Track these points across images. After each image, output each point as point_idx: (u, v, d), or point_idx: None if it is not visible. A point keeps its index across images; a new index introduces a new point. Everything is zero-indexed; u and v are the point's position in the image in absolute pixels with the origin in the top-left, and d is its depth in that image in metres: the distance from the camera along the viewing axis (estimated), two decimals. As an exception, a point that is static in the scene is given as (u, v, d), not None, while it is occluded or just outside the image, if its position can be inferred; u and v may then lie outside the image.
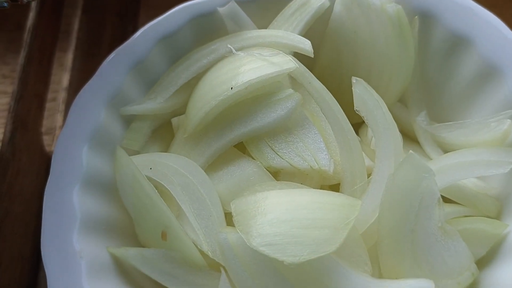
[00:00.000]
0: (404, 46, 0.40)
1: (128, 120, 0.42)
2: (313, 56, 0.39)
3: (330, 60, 0.44)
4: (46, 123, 0.58)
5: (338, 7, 0.42)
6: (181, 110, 0.43)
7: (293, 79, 0.39)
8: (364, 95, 0.37)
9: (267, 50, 0.40)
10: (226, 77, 0.39)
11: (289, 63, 0.38)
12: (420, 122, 0.42)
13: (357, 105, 0.37)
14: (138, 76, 0.42)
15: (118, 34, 0.63)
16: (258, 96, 0.39)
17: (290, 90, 0.38)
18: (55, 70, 0.62)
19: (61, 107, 0.60)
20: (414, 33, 0.41)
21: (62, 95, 0.60)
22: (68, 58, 0.62)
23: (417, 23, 0.41)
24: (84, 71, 0.61)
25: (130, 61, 0.41)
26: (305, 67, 0.38)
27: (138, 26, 0.63)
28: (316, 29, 0.43)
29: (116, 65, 0.41)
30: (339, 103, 0.42)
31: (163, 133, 0.43)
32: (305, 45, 0.39)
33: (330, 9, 0.43)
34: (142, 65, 0.42)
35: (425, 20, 0.41)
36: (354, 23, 0.41)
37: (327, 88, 0.43)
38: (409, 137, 0.44)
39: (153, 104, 0.42)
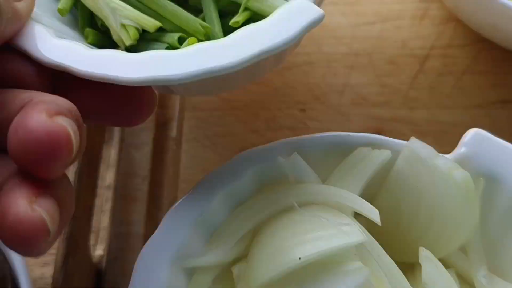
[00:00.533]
0: (469, 208, 0.41)
1: (189, 271, 0.42)
2: (380, 225, 0.40)
3: (388, 206, 0.44)
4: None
5: (401, 163, 0.42)
6: (242, 257, 0.43)
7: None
8: (433, 274, 0.37)
9: (333, 214, 0.40)
10: (293, 243, 0.39)
11: (359, 235, 0.38)
12: (481, 278, 0.42)
13: (426, 280, 0.37)
14: (199, 227, 0.42)
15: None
16: (325, 263, 0.39)
17: (359, 264, 0.38)
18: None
19: (105, 206, 0.60)
20: (478, 193, 0.41)
21: (106, 193, 0.60)
22: (111, 153, 0.62)
23: (482, 185, 0.41)
24: (125, 172, 0.61)
25: (193, 214, 0.41)
26: (373, 239, 0.38)
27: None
28: (376, 174, 0.43)
29: (180, 218, 0.41)
30: (395, 240, 0.42)
31: (224, 281, 0.43)
32: (373, 215, 0.39)
33: (392, 158, 0.43)
34: (204, 216, 0.42)
35: (490, 182, 0.41)
36: (417, 180, 0.42)
37: (385, 228, 0.43)
38: (465, 280, 0.45)
39: (215, 256, 0.42)
